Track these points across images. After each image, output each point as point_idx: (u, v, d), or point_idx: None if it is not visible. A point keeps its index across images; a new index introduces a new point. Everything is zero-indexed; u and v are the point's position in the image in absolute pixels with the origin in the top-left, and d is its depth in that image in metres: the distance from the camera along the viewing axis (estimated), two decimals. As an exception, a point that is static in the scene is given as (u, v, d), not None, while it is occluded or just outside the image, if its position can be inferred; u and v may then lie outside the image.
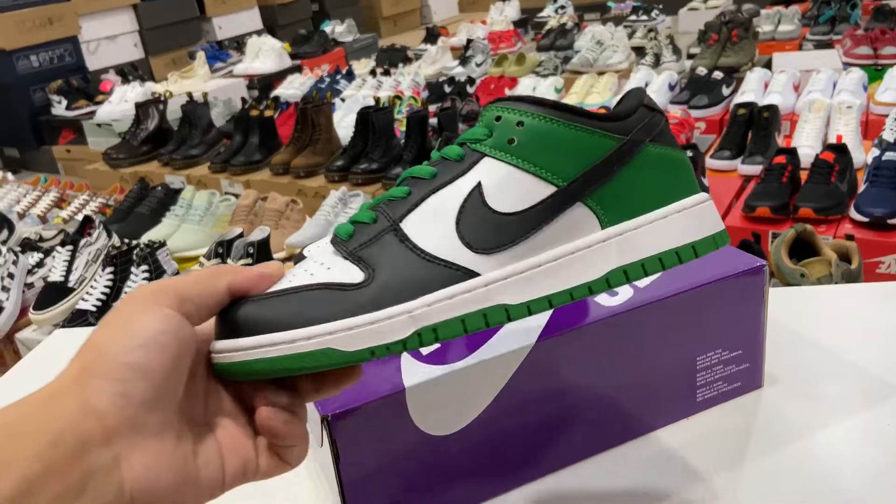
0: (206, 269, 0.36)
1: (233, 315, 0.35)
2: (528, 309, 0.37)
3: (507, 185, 0.37)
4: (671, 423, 0.61)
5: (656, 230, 0.38)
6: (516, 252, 0.37)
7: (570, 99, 2.63)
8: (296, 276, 0.37)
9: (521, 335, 0.53)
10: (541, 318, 0.55)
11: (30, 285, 1.81)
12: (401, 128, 2.46)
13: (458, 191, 0.37)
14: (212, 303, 0.35)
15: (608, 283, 0.38)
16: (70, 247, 1.73)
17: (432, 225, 0.37)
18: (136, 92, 3.39)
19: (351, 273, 0.36)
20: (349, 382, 0.38)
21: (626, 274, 0.38)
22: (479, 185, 0.37)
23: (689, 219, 0.39)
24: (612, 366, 0.57)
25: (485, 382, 0.53)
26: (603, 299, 0.57)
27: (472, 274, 0.36)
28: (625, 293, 0.57)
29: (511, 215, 0.37)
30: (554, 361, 0.54)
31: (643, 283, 0.58)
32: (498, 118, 0.38)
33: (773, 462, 0.56)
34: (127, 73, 3.86)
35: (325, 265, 0.37)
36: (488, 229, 0.37)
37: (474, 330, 0.36)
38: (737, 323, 0.61)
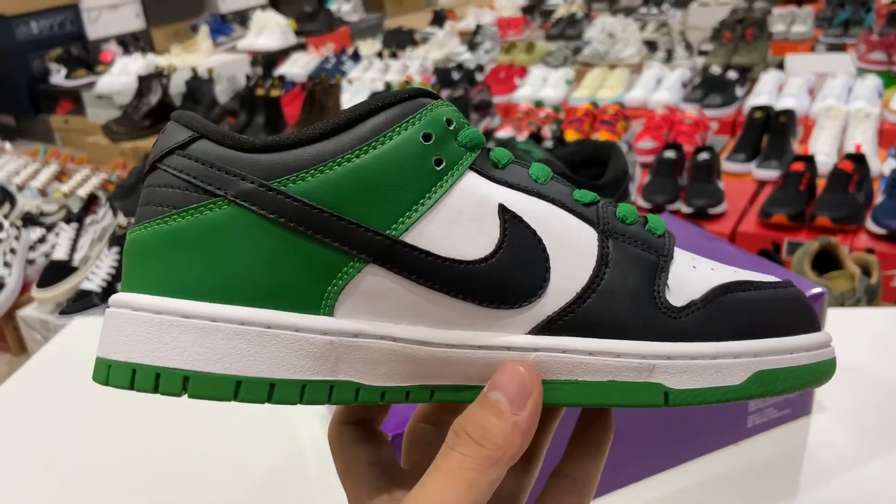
0: None
1: None
2: None
3: None
4: (720, 448, 0.60)
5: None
6: None
7: (582, 92, 2.60)
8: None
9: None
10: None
11: (31, 261, 1.77)
12: (410, 114, 2.42)
13: None
14: None
15: None
16: (75, 224, 1.70)
17: None
18: (137, 64, 3.33)
19: None
20: None
21: None
22: None
23: None
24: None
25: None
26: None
27: None
28: (684, 317, 0.56)
29: None
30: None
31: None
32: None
33: (822, 492, 0.55)
34: (128, 43, 3.79)
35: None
36: None
37: None
38: (793, 350, 0.59)
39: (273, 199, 0.26)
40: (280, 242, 0.27)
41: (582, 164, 0.66)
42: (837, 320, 0.76)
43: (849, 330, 0.74)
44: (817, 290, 0.58)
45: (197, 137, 0.28)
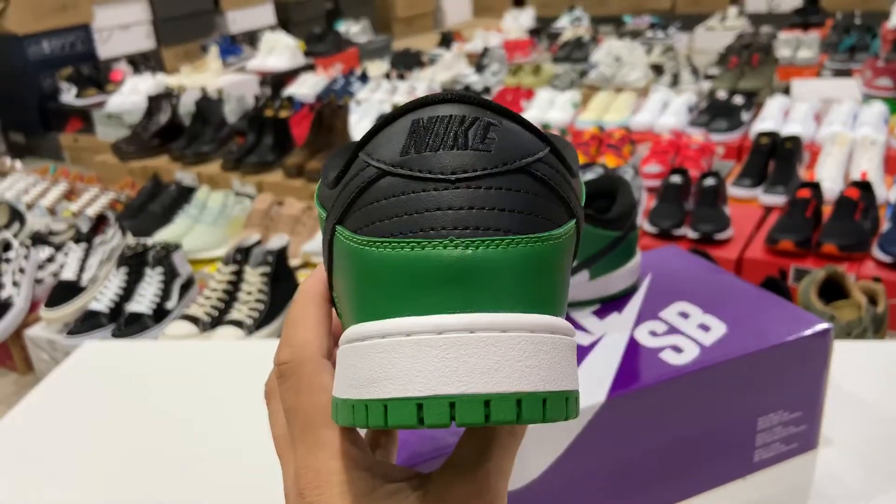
0: None
1: None
2: None
3: None
4: (727, 483, 0.60)
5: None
6: None
7: (588, 115, 2.62)
8: None
9: (590, 392, 0.52)
10: (608, 376, 0.54)
11: (39, 281, 1.78)
12: (417, 136, 2.44)
13: None
14: None
15: None
16: (84, 244, 1.71)
17: None
18: (147, 84, 3.37)
19: None
20: None
21: None
22: None
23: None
24: (676, 425, 0.56)
25: (553, 438, 0.51)
26: (669, 357, 0.56)
27: None
28: (691, 352, 0.56)
29: None
30: (621, 419, 0.53)
31: (709, 341, 0.57)
32: None
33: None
34: (138, 63, 3.83)
35: None
36: None
37: None
38: (799, 384, 0.60)
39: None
40: None
41: (591, 197, 0.66)
42: (844, 353, 0.76)
43: (856, 362, 0.74)
44: (823, 326, 0.59)
45: (549, 151, 0.26)
